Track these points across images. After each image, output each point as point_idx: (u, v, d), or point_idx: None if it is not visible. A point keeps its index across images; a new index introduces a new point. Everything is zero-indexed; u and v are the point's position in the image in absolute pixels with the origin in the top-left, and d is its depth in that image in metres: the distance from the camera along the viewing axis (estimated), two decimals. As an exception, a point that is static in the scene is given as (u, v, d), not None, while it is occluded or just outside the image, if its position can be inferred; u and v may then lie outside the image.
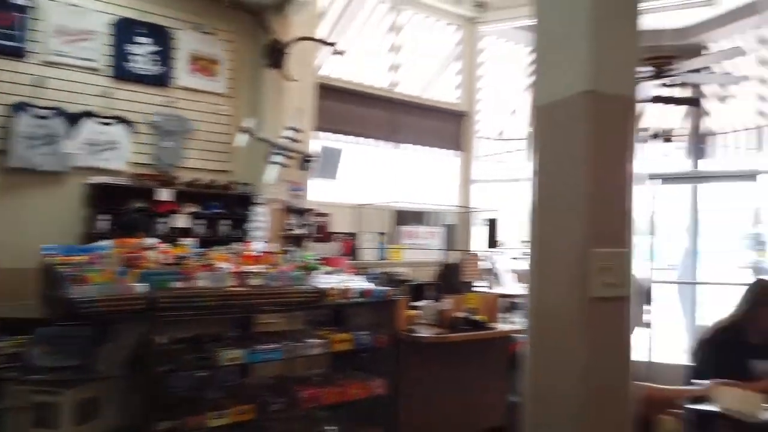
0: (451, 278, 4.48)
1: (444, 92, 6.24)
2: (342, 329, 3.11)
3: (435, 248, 5.32)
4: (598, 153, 1.49)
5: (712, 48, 6.05)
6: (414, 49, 5.97)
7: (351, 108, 5.48)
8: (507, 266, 5.21)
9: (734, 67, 5.54)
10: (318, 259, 3.46)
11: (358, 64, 5.59)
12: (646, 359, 5.63)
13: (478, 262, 4.86)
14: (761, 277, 3.03)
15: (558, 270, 1.58)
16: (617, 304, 1.54)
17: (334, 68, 5.32)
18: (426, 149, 6.05)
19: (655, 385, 2.12)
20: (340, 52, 4.86)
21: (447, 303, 3.68)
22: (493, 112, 6.60)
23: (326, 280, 3.11)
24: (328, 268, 3.42)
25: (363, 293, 3.12)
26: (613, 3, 1.52)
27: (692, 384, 2.28)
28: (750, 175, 5.58)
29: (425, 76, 6.13)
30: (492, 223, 5.10)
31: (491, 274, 5.14)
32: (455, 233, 5.64)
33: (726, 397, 1.65)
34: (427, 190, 6.01)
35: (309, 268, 3.12)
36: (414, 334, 3.36)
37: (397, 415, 3.21)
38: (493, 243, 5.01)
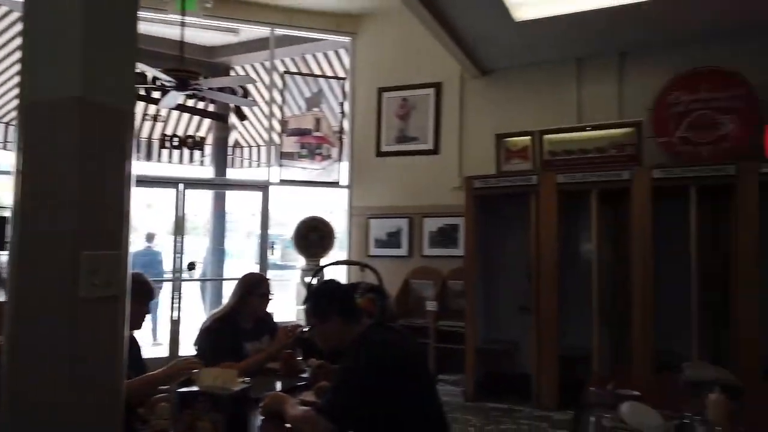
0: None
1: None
2: None
3: None
4: (89, 159, 1.53)
5: (237, 70, 6.90)
6: None
7: None
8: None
9: (253, 90, 6.46)
10: None
11: None
12: (171, 353, 5.94)
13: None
14: (249, 271, 3.63)
15: (46, 271, 1.53)
16: (109, 302, 1.61)
17: None
18: None
19: (137, 378, 2.26)
20: None
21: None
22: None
23: None
24: None
25: None
26: (107, 16, 1.59)
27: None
28: (263, 186, 6.58)
29: None
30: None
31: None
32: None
33: (205, 377, 1.92)
34: None
35: None
36: None
37: None
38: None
